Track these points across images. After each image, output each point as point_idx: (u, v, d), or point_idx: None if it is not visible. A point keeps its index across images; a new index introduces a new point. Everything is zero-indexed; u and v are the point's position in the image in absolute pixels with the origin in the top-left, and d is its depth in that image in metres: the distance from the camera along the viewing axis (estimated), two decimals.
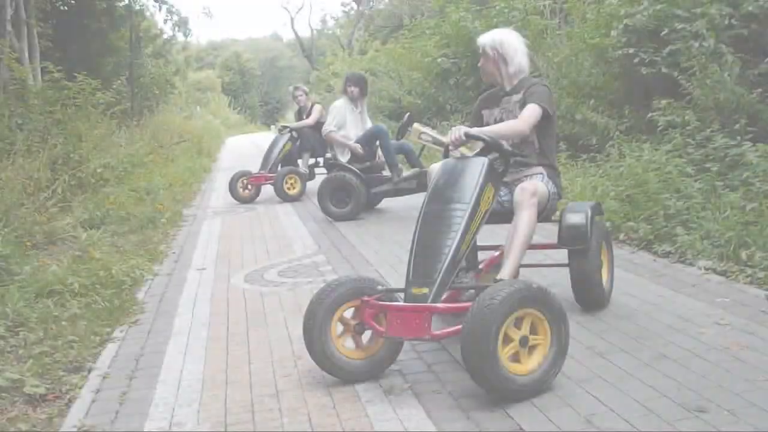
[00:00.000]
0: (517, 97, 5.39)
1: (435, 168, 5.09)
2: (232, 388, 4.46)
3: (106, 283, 6.89)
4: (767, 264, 5.72)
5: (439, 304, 4.22)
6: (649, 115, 9.26)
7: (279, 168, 13.12)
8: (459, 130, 5.00)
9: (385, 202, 11.18)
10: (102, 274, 7.06)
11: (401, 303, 4.30)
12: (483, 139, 4.94)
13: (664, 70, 9.45)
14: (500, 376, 3.79)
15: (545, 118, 5.26)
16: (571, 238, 5.16)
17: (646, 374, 4.11)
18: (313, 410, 4.03)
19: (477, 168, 4.72)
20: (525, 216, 4.87)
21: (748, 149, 7.42)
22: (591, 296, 5.27)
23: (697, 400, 3.70)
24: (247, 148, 28.65)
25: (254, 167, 13.90)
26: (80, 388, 4.65)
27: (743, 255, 6.03)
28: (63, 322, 5.83)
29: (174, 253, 8.81)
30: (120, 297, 6.60)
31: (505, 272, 4.81)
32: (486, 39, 5.48)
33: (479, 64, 5.60)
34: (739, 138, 7.73)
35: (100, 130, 15.45)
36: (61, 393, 4.59)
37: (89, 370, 4.95)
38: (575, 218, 5.18)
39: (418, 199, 10.73)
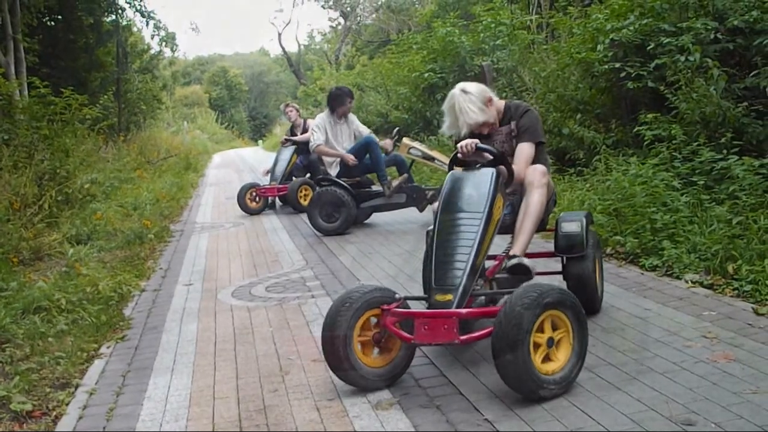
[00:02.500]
0: (507, 128, 5.51)
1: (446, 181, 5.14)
2: (219, 404, 4.44)
3: (93, 299, 6.88)
4: (754, 277, 5.73)
5: (464, 309, 4.31)
6: (636, 128, 9.29)
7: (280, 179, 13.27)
8: (471, 142, 5.10)
9: (374, 217, 11.18)
10: (89, 290, 7.04)
11: (428, 310, 4.36)
12: (492, 152, 5.07)
13: (650, 84, 9.49)
14: (526, 361, 3.88)
15: (537, 146, 5.48)
16: (568, 246, 5.36)
17: (633, 388, 4.12)
18: (301, 425, 4.02)
19: (487, 179, 4.87)
20: (536, 195, 5.11)
21: (734, 163, 7.45)
22: (587, 301, 5.33)
23: (684, 413, 3.71)
24: (235, 163, 28.65)
25: (243, 182, 13.97)
26: (67, 404, 4.64)
27: (730, 268, 6.05)
28: (50, 339, 5.81)
29: (161, 268, 8.79)
30: (107, 313, 6.58)
31: (517, 248, 5.05)
32: (476, 105, 5.36)
33: (486, 132, 5.51)
34: (725, 151, 7.75)
35: (87, 145, 15.44)
36: (48, 410, 4.58)
37: (76, 387, 4.94)
38: (571, 227, 5.39)
39: (406, 214, 10.81)
